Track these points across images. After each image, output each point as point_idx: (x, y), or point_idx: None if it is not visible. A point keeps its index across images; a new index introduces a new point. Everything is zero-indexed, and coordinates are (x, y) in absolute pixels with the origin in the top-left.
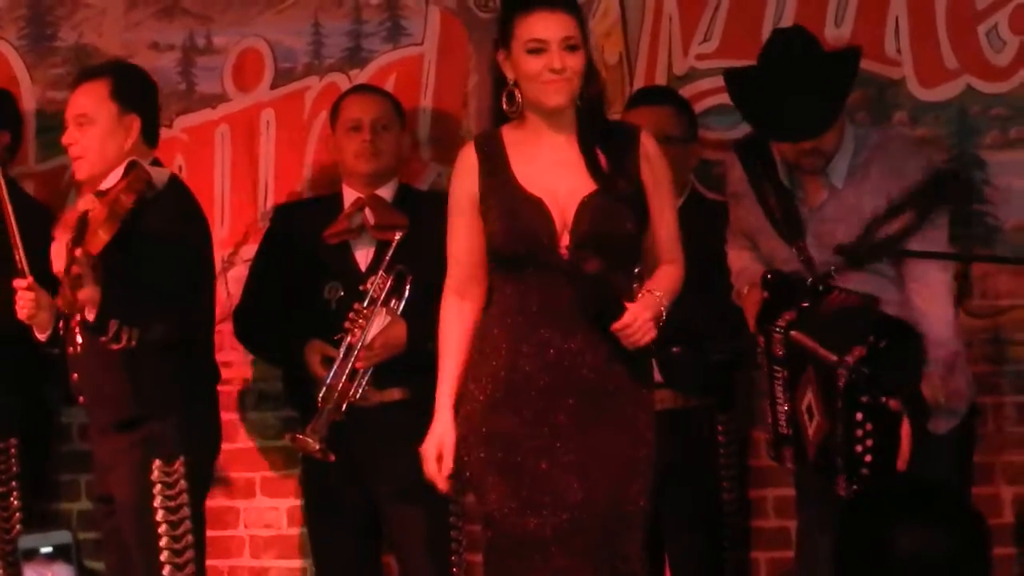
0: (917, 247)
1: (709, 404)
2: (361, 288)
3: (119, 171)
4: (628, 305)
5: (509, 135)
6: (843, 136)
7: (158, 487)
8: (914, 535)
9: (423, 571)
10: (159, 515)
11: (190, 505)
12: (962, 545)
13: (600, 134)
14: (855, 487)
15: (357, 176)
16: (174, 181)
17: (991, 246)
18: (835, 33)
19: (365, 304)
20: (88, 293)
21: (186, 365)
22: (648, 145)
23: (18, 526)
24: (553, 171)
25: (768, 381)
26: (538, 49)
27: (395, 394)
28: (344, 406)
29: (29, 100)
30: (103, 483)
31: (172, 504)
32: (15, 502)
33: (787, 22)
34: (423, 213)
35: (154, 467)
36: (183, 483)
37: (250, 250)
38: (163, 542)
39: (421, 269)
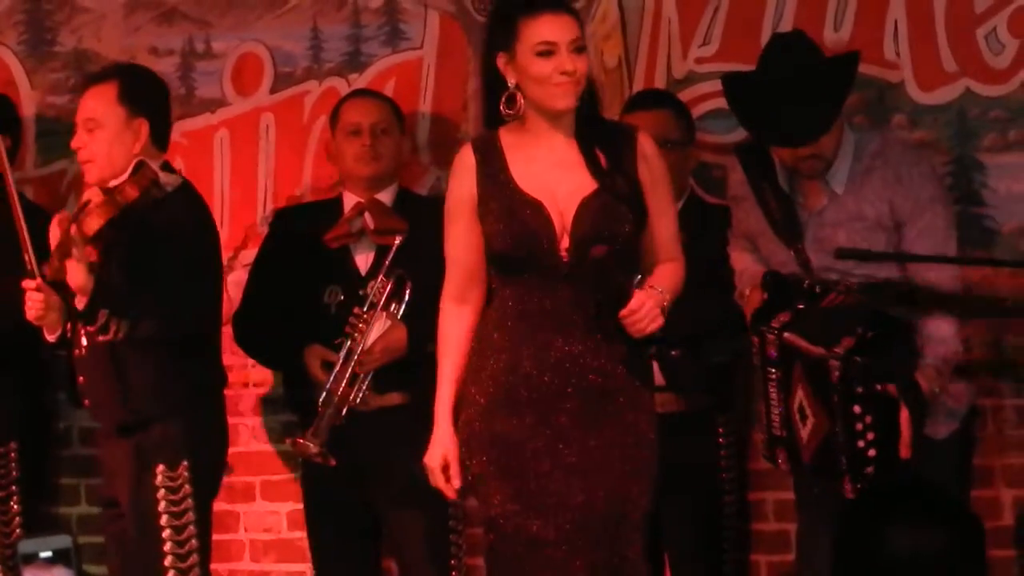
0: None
1: (709, 406)
2: (361, 292)
3: (128, 173)
4: (635, 292)
5: (507, 137)
6: (841, 141)
7: (162, 491)
8: (911, 536)
9: (423, 575)
10: (163, 519)
11: (195, 510)
12: (958, 546)
13: (598, 134)
14: (860, 486)
15: (357, 180)
16: (186, 186)
17: (990, 249)
18: (834, 36)
19: (365, 308)
20: (80, 280)
21: (191, 369)
22: (645, 145)
23: (18, 530)
24: (552, 173)
25: (762, 382)
26: (548, 52)
27: (395, 398)
28: (344, 410)
29: (28, 105)
30: (109, 486)
31: (176, 509)
32: (15, 506)
33: (786, 25)
34: (423, 217)
35: (158, 471)
36: (187, 487)
37: (250, 254)
38: (167, 547)
39: (421, 273)
